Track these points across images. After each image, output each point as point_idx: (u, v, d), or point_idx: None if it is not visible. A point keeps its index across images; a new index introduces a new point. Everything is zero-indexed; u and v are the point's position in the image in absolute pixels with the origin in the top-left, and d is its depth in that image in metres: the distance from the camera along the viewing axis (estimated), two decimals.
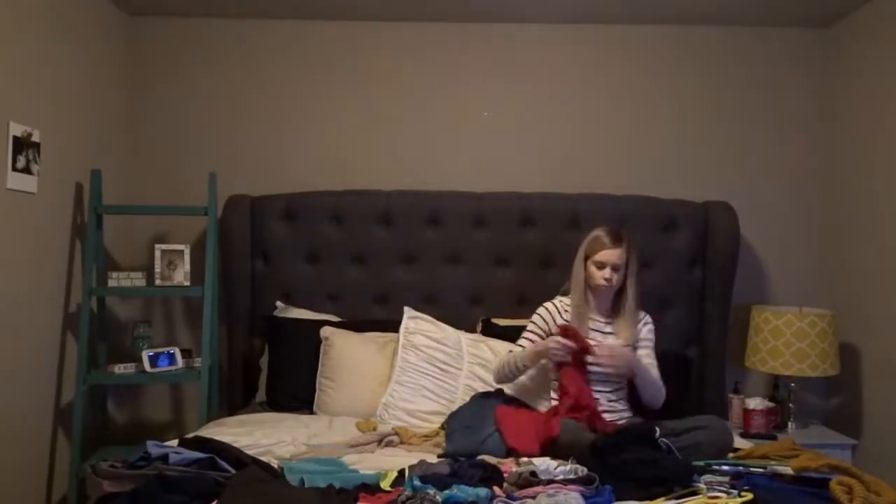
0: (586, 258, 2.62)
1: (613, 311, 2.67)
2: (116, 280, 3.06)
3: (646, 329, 2.68)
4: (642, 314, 2.70)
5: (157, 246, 3.12)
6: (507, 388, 2.73)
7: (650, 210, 3.24)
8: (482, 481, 1.89)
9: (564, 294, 2.71)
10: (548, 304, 2.71)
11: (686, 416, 2.64)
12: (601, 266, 2.57)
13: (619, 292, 2.64)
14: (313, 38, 3.46)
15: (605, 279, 2.56)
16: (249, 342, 3.27)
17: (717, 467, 2.03)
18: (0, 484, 2.57)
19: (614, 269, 2.56)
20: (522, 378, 2.68)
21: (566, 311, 2.66)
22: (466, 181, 3.37)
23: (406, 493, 1.78)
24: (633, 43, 3.46)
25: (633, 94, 3.47)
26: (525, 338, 2.68)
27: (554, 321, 2.65)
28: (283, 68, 3.46)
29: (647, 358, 2.64)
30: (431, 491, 1.77)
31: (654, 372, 2.61)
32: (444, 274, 3.25)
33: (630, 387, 2.63)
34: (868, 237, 3.15)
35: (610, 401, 2.55)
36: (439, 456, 2.23)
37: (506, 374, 2.65)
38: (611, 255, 2.55)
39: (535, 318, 2.71)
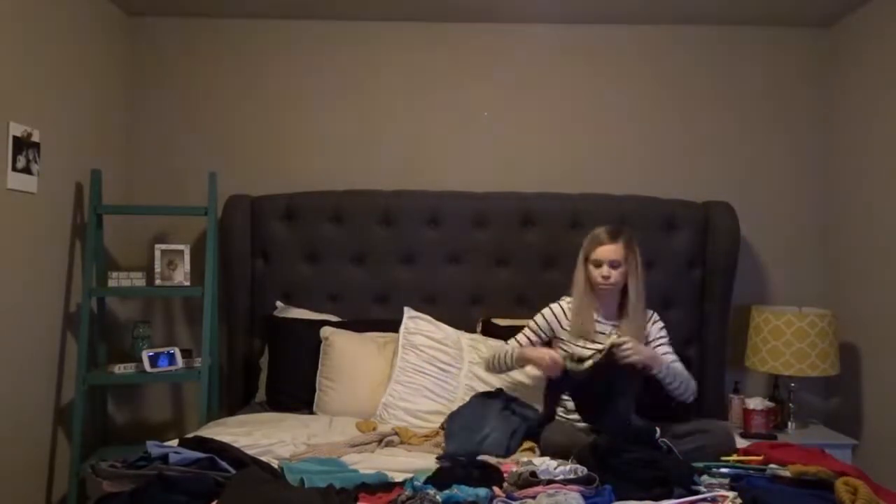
0: (586, 258, 2.59)
1: (619, 313, 2.62)
2: (116, 280, 3.06)
3: (656, 327, 2.63)
4: (650, 313, 2.66)
5: (157, 246, 3.12)
6: (508, 388, 2.73)
7: (650, 210, 3.24)
8: (482, 481, 1.89)
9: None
10: (553, 306, 2.67)
11: (688, 419, 2.67)
12: (598, 264, 2.54)
13: (625, 293, 2.60)
14: (313, 39, 3.46)
15: (604, 277, 2.52)
16: (249, 342, 3.27)
17: (716, 470, 2.02)
18: (0, 484, 2.57)
19: (612, 266, 2.52)
20: (526, 380, 2.69)
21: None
22: (466, 181, 3.37)
23: (406, 493, 1.78)
24: (633, 42, 3.46)
25: (634, 93, 3.47)
26: (523, 334, 2.67)
27: (559, 324, 2.63)
28: (283, 68, 3.46)
29: (668, 355, 2.58)
30: (431, 491, 1.77)
31: (678, 364, 2.57)
32: (444, 274, 3.25)
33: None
34: (868, 237, 3.15)
35: None
36: (438, 457, 2.23)
37: (495, 366, 2.66)
38: (607, 251, 2.52)
39: (538, 317, 2.68)
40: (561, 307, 2.66)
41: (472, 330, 3.10)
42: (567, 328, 2.61)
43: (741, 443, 2.47)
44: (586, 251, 2.59)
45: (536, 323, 2.67)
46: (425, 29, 3.45)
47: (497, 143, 3.45)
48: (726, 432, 2.32)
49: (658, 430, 2.13)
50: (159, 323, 3.44)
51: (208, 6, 3.33)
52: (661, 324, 2.66)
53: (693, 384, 2.58)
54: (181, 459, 1.92)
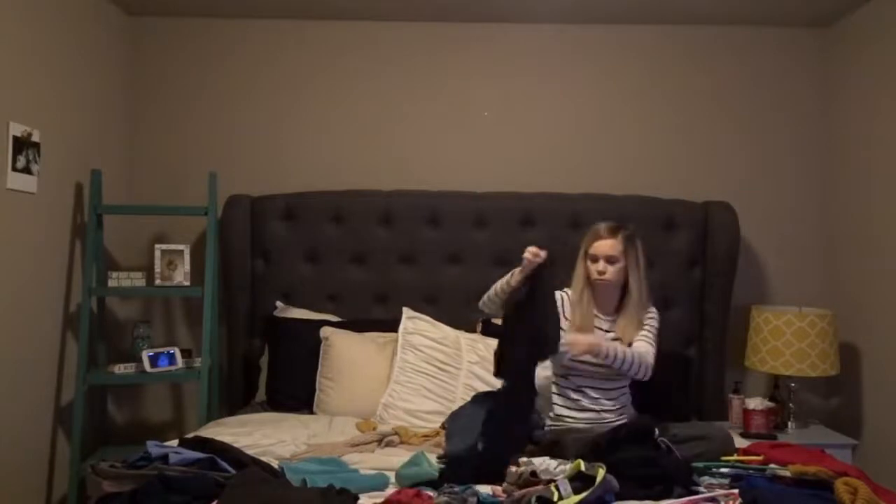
0: (585, 253, 2.59)
1: (618, 309, 2.60)
2: (116, 280, 3.06)
3: (647, 317, 2.59)
4: (652, 311, 2.62)
5: (157, 246, 3.12)
6: None
7: (650, 210, 3.24)
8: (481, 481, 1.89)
9: None
10: (557, 293, 2.60)
11: (688, 417, 2.66)
12: (595, 259, 2.54)
13: (626, 289, 2.58)
14: (313, 38, 3.46)
15: (599, 272, 2.52)
16: (249, 342, 3.27)
17: (716, 470, 2.02)
18: (0, 484, 2.57)
19: (609, 261, 2.52)
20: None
21: None
22: (466, 181, 3.37)
23: (440, 499, 1.79)
24: (633, 42, 3.46)
25: (634, 93, 3.47)
26: None
27: (562, 311, 2.59)
28: (283, 68, 3.46)
29: (641, 340, 2.52)
30: (458, 489, 1.78)
31: (629, 348, 2.48)
32: (444, 274, 3.25)
33: (634, 388, 2.62)
34: (868, 237, 3.15)
35: (609, 399, 2.55)
36: (439, 457, 2.23)
37: (495, 294, 2.49)
38: (603, 245, 2.52)
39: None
40: (563, 297, 2.63)
41: (472, 330, 3.10)
42: (567, 317, 2.61)
43: (741, 443, 2.48)
44: (585, 245, 2.59)
45: None
46: (425, 29, 3.45)
47: (497, 143, 3.45)
48: (725, 436, 2.31)
49: (657, 430, 2.12)
50: (159, 323, 3.44)
51: (208, 6, 3.33)
52: (654, 316, 2.61)
53: (645, 364, 2.46)
54: (181, 459, 1.92)
